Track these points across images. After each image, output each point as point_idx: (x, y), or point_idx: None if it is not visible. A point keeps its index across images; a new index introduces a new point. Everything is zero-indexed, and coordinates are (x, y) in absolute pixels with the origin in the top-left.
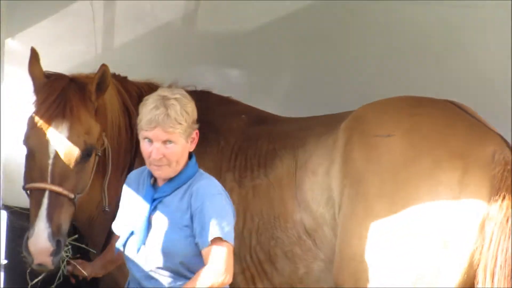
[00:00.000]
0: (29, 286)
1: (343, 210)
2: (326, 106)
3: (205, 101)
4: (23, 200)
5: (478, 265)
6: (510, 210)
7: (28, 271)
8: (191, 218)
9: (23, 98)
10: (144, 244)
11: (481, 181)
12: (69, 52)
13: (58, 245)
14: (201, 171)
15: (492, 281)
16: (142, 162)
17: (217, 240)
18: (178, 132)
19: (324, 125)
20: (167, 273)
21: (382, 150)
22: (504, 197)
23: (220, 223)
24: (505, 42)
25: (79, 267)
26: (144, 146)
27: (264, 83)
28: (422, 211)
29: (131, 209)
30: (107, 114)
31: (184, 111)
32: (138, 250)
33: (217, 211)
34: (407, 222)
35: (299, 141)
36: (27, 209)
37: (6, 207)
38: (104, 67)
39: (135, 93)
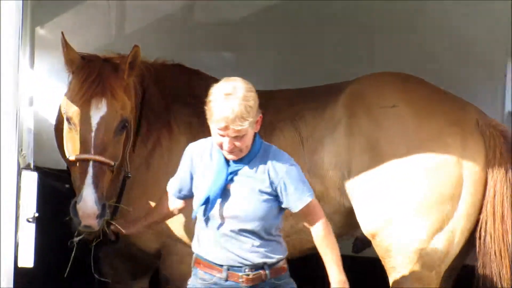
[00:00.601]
0: (74, 243)
1: (360, 175)
2: (308, 81)
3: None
4: (50, 163)
5: (485, 211)
6: (507, 164)
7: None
8: (272, 186)
9: (52, 79)
10: (222, 209)
11: (478, 143)
12: (86, 39)
13: (103, 208)
14: (266, 143)
15: (496, 225)
16: (143, 139)
17: (309, 199)
18: (246, 127)
19: (313, 99)
20: (246, 234)
21: (391, 119)
22: (500, 153)
23: (307, 187)
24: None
25: (119, 227)
26: (216, 137)
27: (253, 62)
28: (436, 171)
29: (201, 178)
30: (132, 90)
31: (249, 107)
32: (217, 215)
33: (300, 177)
34: (423, 180)
35: (296, 115)
36: (55, 170)
37: (38, 168)
38: (136, 48)
39: (148, 72)
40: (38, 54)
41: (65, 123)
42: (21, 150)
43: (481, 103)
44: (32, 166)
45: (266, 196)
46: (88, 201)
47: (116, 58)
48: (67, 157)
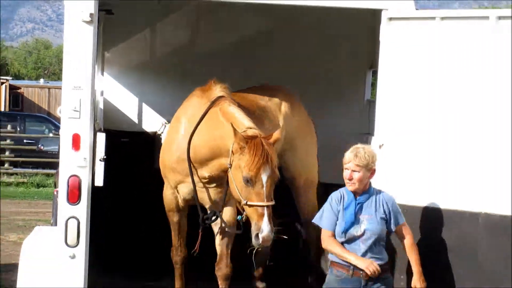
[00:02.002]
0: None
1: (294, 146)
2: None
3: None
4: (115, 125)
5: None
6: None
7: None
8: (387, 212)
9: (113, 82)
10: (353, 229)
11: (301, 108)
12: None
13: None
14: (374, 187)
15: None
16: None
17: (404, 222)
18: (362, 165)
19: (260, 99)
20: (371, 246)
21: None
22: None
23: (401, 213)
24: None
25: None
26: (345, 171)
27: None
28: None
29: (339, 212)
30: None
31: (367, 155)
32: (355, 233)
33: (398, 208)
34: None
35: (262, 112)
36: (119, 131)
37: (105, 130)
38: (278, 136)
39: None
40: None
41: (241, 177)
42: (96, 119)
43: (348, 92)
44: (102, 129)
45: (384, 221)
46: (268, 234)
47: (268, 136)
48: (244, 202)
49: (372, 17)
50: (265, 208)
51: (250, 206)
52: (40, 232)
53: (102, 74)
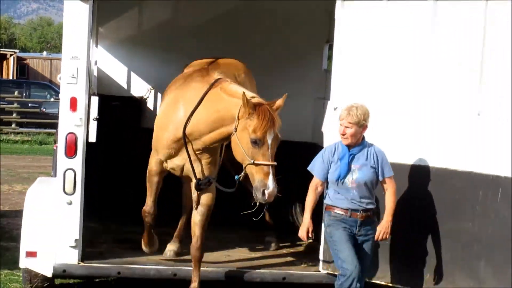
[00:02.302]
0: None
1: None
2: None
3: None
4: (107, 90)
5: None
6: None
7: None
8: (377, 164)
9: (106, 53)
10: (346, 177)
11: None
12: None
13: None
14: (367, 141)
15: None
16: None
17: (391, 176)
18: (353, 123)
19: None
20: (363, 192)
21: None
22: None
23: (390, 166)
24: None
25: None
26: (339, 127)
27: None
28: None
29: (331, 163)
30: None
31: (359, 114)
32: (349, 181)
33: (387, 161)
34: None
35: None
36: (110, 95)
37: (98, 94)
38: (284, 97)
39: None
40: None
41: (248, 139)
42: (91, 85)
43: (307, 62)
44: (95, 93)
45: (374, 170)
46: (273, 190)
47: (272, 103)
48: (251, 160)
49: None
50: (270, 167)
51: (257, 165)
52: (42, 182)
53: (96, 46)
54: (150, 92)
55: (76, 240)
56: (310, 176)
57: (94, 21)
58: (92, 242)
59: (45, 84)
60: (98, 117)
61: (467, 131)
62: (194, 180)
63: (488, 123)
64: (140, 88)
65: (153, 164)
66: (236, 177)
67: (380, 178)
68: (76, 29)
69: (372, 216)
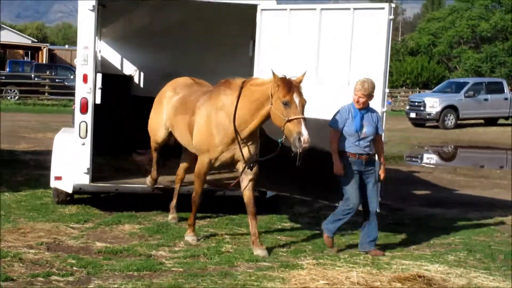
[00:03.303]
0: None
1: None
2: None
3: None
4: (107, 69)
5: None
6: None
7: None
8: (376, 123)
9: (107, 46)
10: (359, 130)
11: None
12: None
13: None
14: (371, 107)
15: None
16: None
17: (382, 133)
18: (366, 94)
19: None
20: (367, 141)
21: None
22: None
23: (382, 126)
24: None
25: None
26: (354, 96)
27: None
28: None
29: (349, 119)
30: None
31: (370, 87)
32: (361, 133)
33: (381, 121)
34: None
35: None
36: (109, 73)
37: (102, 72)
38: (304, 75)
39: None
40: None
41: (281, 104)
42: (96, 66)
43: (238, 53)
44: (100, 71)
45: (375, 126)
46: (308, 137)
47: (295, 78)
48: (286, 119)
49: (252, 8)
50: (301, 119)
51: (290, 120)
52: (65, 130)
53: (100, 40)
54: (135, 72)
55: (88, 169)
56: None
57: (98, 23)
58: (98, 170)
59: (67, 67)
60: (101, 87)
61: (341, 94)
62: (241, 164)
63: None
64: (129, 69)
65: (205, 166)
66: (279, 140)
67: (377, 133)
68: (86, 28)
69: (372, 158)
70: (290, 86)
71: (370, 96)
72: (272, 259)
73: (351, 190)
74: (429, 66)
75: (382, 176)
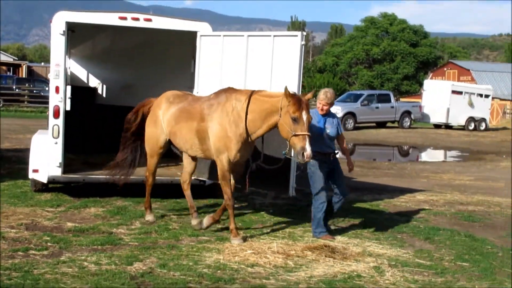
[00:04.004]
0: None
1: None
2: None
3: None
4: (75, 83)
5: None
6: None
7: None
8: (337, 125)
9: (72, 64)
10: (325, 131)
11: None
12: None
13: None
14: (331, 111)
15: None
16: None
17: (342, 133)
18: (329, 103)
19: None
20: (331, 141)
21: None
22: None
23: (341, 127)
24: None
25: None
26: (318, 104)
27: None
28: None
29: (315, 124)
30: None
31: (331, 96)
32: (325, 133)
33: (340, 123)
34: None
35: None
36: (77, 86)
37: (71, 85)
38: (312, 93)
39: None
40: (71, 55)
41: (290, 118)
42: (66, 80)
43: (183, 69)
44: (69, 84)
45: (336, 128)
46: (310, 153)
47: (304, 95)
48: (293, 133)
49: (193, 34)
50: (306, 136)
51: (297, 135)
52: (41, 132)
53: (69, 58)
54: (99, 84)
55: (60, 163)
56: None
57: (68, 45)
58: (69, 164)
59: (43, 80)
60: (70, 97)
61: None
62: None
63: None
64: (94, 82)
65: (226, 165)
66: (283, 152)
67: (338, 133)
68: (58, 49)
69: (335, 154)
70: (300, 103)
71: (331, 104)
72: (210, 234)
73: (319, 186)
74: (333, 81)
75: (351, 167)
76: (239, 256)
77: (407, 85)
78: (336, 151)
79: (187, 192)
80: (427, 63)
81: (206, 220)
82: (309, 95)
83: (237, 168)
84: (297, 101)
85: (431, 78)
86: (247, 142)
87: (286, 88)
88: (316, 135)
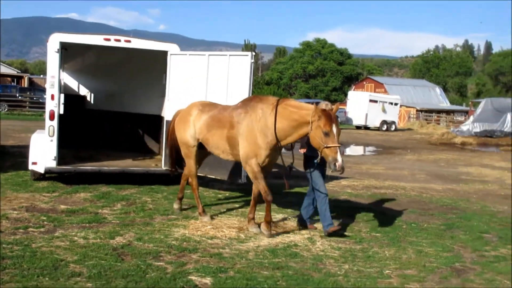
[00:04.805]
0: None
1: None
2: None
3: None
4: (67, 91)
5: None
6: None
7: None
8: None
9: (66, 76)
10: None
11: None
12: None
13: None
14: None
15: None
16: None
17: None
18: None
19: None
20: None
21: None
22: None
23: None
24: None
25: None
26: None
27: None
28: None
29: None
30: None
31: (330, 108)
32: None
33: None
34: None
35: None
36: (69, 94)
37: (64, 93)
38: (337, 106)
39: None
40: (64, 69)
41: (321, 132)
42: (60, 89)
43: (156, 83)
44: (62, 92)
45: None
46: (341, 164)
47: (331, 109)
48: (325, 145)
49: (164, 52)
50: (338, 148)
51: (328, 147)
52: (39, 132)
53: (63, 71)
54: (88, 93)
55: (54, 157)
56: None
57: (61, 60)
58: (62, 158)
59: (41, 89)
60: (63, 102)
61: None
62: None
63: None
64: (83, 91)
65: (255, 167)
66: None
67: None
68: (53, 64)
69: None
70: (330, 118)
71: None
72: (178, 214)
73: (320, 183)
74: (278, 92)
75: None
76: (201, 230)
77: (335, 95)
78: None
79: (196, 193)
80: (350, 78)
81: (263, 227)
82: (335, 108)
83: (266, 168)
84: (328, 117)
85: (354, 90)
86: (276, 147)
87: (315, 105)
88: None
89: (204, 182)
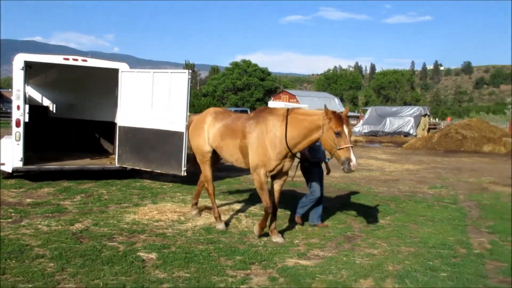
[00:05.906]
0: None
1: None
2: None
3: None
4: (32, 102)
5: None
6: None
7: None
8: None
9: (30, 89)
10: (321, 146)
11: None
12: None
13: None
14: None
15: None
16: None
17: None
18: None
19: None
20: (319, 151)
21: None
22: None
23: None
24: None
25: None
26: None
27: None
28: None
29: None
30: None
31: None
32: (316, 146)
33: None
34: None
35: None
36: (34, 105)
37: (29, 104)
38: (347, 110)
39: None
40: (29, 83)
41: (333, 134)
42: (25, 100)
43: (111, 96)
44: (27, 103)
45: None
46: (356, 163)
47: (341, 112)
48: (338, 147)
49: (116, 70)
50: (350, 147)
51: (341, 148)
52: (7, 137)
53: (28, 85)
54: (51, 104)
55: (21, 158)
56: None
57: (26, 76)
58: (28, 159)
59: (9, 101)
60: (28, 112)
61: (162, 115)
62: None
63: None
64: (46, 102)
65: (262, 177)
66: (326, 159)
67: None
68: (18, 79)
69: (326, 162)
70: (340, 119)
71: None
72: (129, 202)
73: (316, 185)
74: (213, 102)
75: (328, 171)
76: (148, 215)
77: (258, 104)
78: (327, 159)
79: (212, 198)
80: (270, 91)
81: (255, 228)
82: (345, 112)
83: (280, 175)
84: (338, 117)
85: (273, 100)
86: (287, 156)
87: (325, 107)
88: (317, 147)
89: (151, 176)
